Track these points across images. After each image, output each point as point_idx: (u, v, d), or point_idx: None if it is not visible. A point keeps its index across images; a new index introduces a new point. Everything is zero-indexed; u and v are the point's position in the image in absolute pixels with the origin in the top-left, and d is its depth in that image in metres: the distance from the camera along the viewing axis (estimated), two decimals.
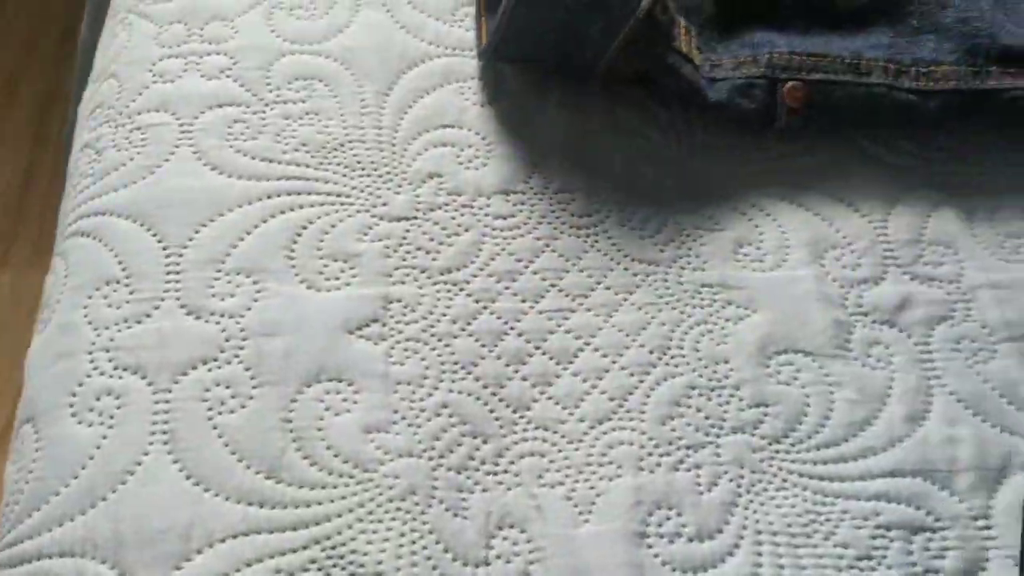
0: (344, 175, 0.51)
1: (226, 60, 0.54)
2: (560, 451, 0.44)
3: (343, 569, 0.40)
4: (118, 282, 0.47)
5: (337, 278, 0.47)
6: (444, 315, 0.47)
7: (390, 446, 0.43)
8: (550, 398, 0.45)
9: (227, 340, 0.45)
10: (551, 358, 0.46)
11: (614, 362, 0.46)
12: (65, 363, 0.45)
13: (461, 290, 0.47)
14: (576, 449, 0.44)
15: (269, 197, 0.49)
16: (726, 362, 0.46)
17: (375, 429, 0.43)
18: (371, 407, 0.44)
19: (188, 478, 0.41)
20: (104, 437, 0.43)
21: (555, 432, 0.44)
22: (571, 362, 0.46)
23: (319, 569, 0.40)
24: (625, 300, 0.48)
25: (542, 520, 0.42)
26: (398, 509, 0.41)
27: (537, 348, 0.46)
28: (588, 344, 0.47)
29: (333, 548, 0.40)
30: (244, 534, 0.40)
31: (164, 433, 0.42)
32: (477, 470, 0.43)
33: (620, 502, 0.42)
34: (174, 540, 0.40)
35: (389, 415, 0.44)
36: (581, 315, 0.48)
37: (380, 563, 0.40)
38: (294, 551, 0.40)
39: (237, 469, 0.42)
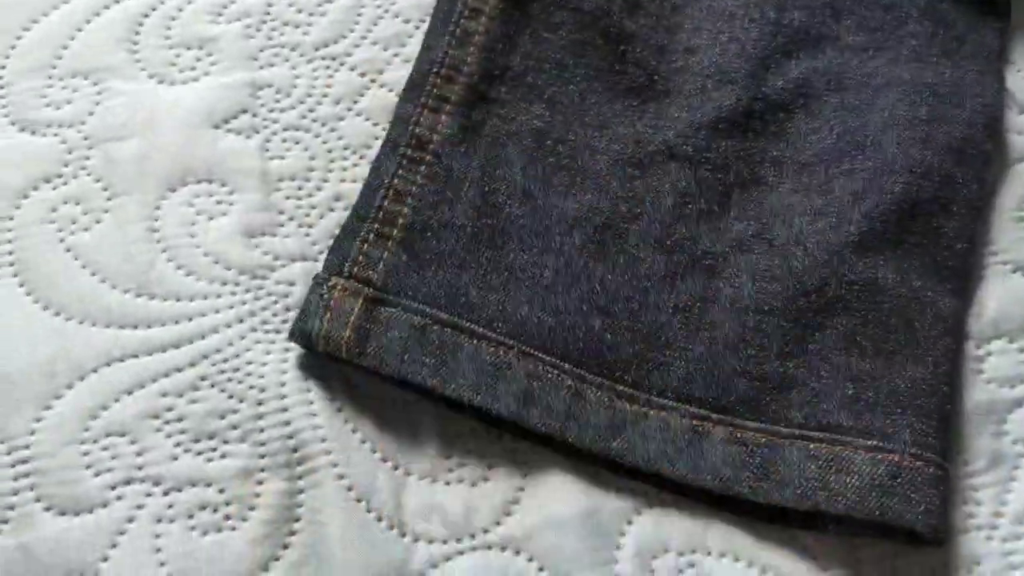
0: None
1: None
2: None
3: (240, 382, 0.34)
4: None
5: (192, 68, 0.40)
6: (325, 96, 0.40)
7: (279, 251, 0.37)
8: None
9: (70, 152, 0.38)
10: None
11: None
12: None
13: (342, 64, 0.41)
14: None
15: None
16: None
17: (259, 233, 0.37)
18: (251, 208, 0.38)
19: (46, 309, 0.35)
20: None
21: None
22: None
23: (212, 385, 0.34)
24: None
25: None
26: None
27: None
28: None
29: (225, 361, 0.35)
30: (119, 360, 0.35)
31: (11, 265, 0.36)
32: None
33: None
34: (38, 378, 0.34)
35: (274, 216, 0.38)
36: None
37: (284, 372, 0.35)
38: (179, 370, 0.35)
39: (101, 291, 0.36)
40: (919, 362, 0.35)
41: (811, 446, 0.33)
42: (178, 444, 0.34)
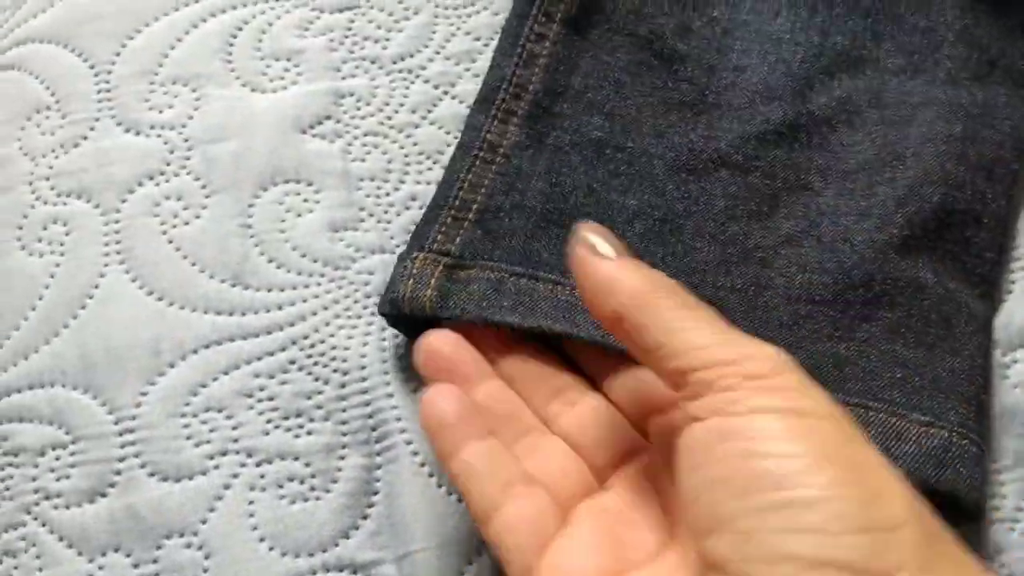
0: None
1: None
2: None
3: (325, 366, 0.38)
4: (49, 108, 0.43)
5: (281, 78, 0.44)
6: (402, 105, 0.43)
7: (360, 243, 0.41)
8: None
9: (171, 152, 0.42)
10: None
11: None
12: (5, 198, 0.42)
13: (417, 77, 0.44)
14: None
15: (197, 1, 0.45)
16: None
17: (342, 228, 0.41)
18: (335, 205, 0.41)
19: (150, 294, 0.39)
20: (57, 265, 0.40)
21: None
22: None
23: (299, 368, 0.38)
24: None
25: None
26: (377, 305, 0.39)
27: None
28: None
29: (312, 346, 0.38)
30: (216, 343, 0.38)
31: (118, 253, 0.40)
32: None
33: None
34: (144, 356, 0.38)
35: (355, 213, 0.41)
36: None
37: (364, 356, 0.38)
38: (271, 354, 0.38)
39: (199, 280, 0.39)
40: (957, 354, 0.37)
41: (869, 414, 0.36)
42: (269, 420, 0.37)
